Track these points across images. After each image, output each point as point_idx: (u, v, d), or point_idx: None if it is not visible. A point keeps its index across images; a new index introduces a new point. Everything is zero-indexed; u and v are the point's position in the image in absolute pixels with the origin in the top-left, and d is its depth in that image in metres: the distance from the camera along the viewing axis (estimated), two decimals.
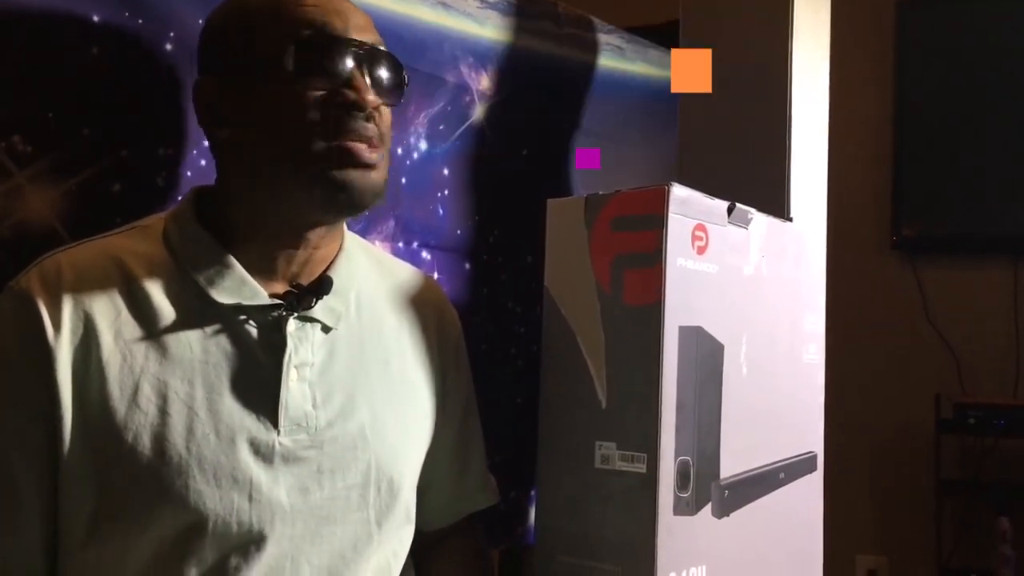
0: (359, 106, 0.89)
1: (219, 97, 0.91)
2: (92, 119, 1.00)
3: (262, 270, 0.91)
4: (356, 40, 0.91)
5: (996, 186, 2.85)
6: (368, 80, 0.90)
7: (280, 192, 0.90)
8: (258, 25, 0.90)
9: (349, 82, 0.89)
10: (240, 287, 0.89)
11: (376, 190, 0.91)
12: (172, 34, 1.05)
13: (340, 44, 0.90)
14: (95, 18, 0.99)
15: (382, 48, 0.94)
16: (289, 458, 0.88)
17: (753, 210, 1.07)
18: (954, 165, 2.91)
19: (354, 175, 0.89)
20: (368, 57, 0.91)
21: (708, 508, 1.00)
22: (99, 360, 0.84)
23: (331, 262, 0.97)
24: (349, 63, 0.90)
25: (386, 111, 0.94)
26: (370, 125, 0.90)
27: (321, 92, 0.88)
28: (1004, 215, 2.85)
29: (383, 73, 0.93)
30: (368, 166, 0.90)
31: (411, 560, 1.03)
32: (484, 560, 1.18)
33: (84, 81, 1.00)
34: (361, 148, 0.89)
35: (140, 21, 1.03)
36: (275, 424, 0.88)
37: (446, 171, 1.39)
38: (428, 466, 1.03)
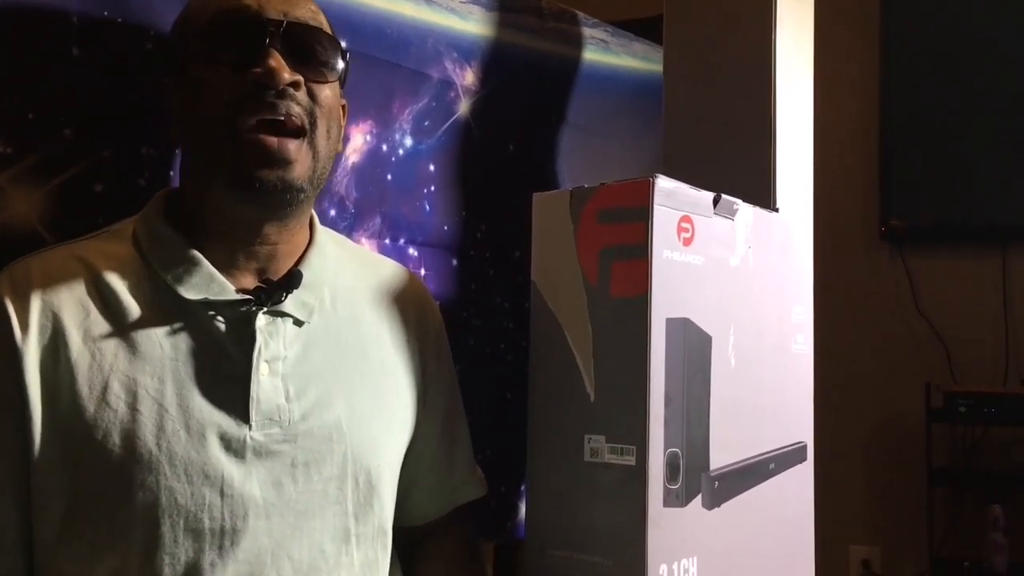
0: (268, 83, 0.87)
1: (170, 97, 0.94)
2: (73, 119, 1.00)
3: (228, 267, 0.92)
4: (268, 17, 0.88)
5: (984, 175, 2.86)
6: (285, 57, 0.88)
7: (208, 189, 0.91)
8: (187, 20, 0.92)
9: (258, 63, 0.87)
10: (208, 283, 0.89)
11: (294, 185, 0.89)
12: (152, 32, 1.04)
13: (249, 23, 0.88)
14: (75, 18, 0.99)
15: (308, 23, 0.91)
16: (261, 452, 0.88)
17: (739, 201, 1.07)
18: (942, 154, 2.92)
19: (266, 173, 0.88)
20: (286, 32, 0.89)
21: (698, 500, 1.00)
22: (68, 359, 0.84)
23: (301, 256, 0.97)
24: (258, 41, 0.88)
25: (321, 88, 0.92)
26: (283, 102, 0.87)
27: (235, 78, 0.87)
28: (992, 204, 2.86)
29: (307, 49, 0.91)
30: (281, 162, 0.88)
31: (396, 554, 1.02)
32: (475, 551, 1.17)
33: (65, 81, 0.99)
34: (271, 142, 0.87)
35: (120, 20, 1.02)
36: (246, 419, 0.87)
37: (432, 167, 1.39)
38: (413, 459, 1.03)
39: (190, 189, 0.94)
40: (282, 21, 0.89)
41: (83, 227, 0.95)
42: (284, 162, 0.88)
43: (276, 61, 0.87)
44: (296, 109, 0.89)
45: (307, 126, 0.90)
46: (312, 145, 0.91)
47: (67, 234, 0.94)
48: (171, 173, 1.06)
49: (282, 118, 0.88)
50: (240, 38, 0.88)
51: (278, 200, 0.90)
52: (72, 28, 0.99)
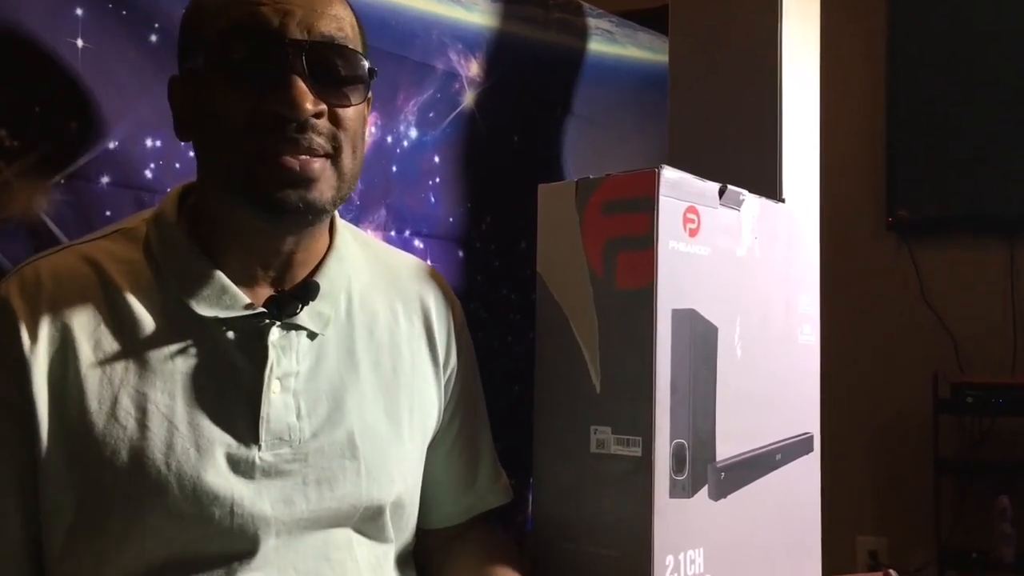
0: (289, 116, 0.81)
1: (178, 94, 0.89)
2: (79, 112, 1.00)
3: (243, 275, 0.88)
4: (291, 38, 0.81)
5: (990, 166, 2.85)
6: (308, 82, 0.81)
7: (223, 200, 0.86)
8: (200, 23, 0.85)
9: (278, 90, 0.80)
10: (220, 296, 0.85)
11: (317, 205, 0.83)
12: (157, 25, 1.04)
13: (269, 44, 0.81)
14: (79, 11, 0.99)
15: (333, 42, 0.84)
16: (271, 472, 0.85)
17: (745, 191, 1.07)
18: (948, 145, 2.91)
19: (288, 193, 0.82)
20: (310, 56, 0.82)
21: (704, 491, 1.00)
22: (77, 372, 0.81)
23: (320, 263, 0.92)
24: (279, 66, 0.81)
25: (346, 111, 0.85)
26: (306, 136, 0.81)
27: (252, 99, 0.81)
28: (999, 195, 2.85)
29: (332, 71, 0.84)
30: (304, 182, 0.82)
31: (412, 560, 1.01)
32: (508, 544, 1.09)
33: (70, 74, 0.99)
34: (292, 163, 0.81)
35: (124, 13, 1.02)
36: (256, 439, 0.84)
37: (437, 159, 1.39)
38: (434, 466, 1.01)
39: (204, 191, 0.89)
40: (304, 42, 0.81)
41: (89, 219, 0.96)
42: (307, 182, 0.82)
43: (298, 90, 0.80)
44: (319, 140, 0.83)
45: (331, 152, 0.84)
46: (337, 167, 0.85)
47: (73, 227, 0.94)
48: (176, 165, 1.06)
49: (305, 153, 0.82)
50: (259, 60, 0.81)
51: (299, 220, 0.85)
52: (76, 21, 0.99)
